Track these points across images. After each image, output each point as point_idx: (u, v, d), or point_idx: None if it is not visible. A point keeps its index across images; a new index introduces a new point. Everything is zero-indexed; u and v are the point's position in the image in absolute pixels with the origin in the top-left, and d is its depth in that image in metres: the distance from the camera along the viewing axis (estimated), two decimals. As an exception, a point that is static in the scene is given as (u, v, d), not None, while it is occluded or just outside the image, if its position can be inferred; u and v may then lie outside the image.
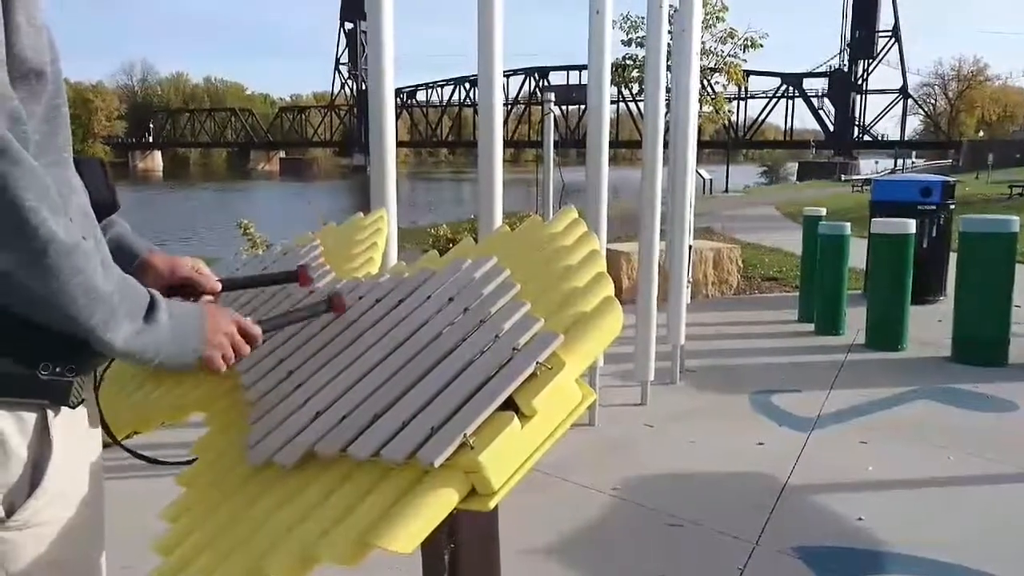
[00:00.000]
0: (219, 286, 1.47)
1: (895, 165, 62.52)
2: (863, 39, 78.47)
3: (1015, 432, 4.08)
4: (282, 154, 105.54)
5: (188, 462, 1.36)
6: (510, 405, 1.05)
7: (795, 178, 70.24)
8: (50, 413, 1.08)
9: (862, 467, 3.63)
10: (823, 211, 7.15)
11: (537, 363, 1.08)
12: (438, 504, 0.99)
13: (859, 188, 35.96)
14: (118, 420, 1.53)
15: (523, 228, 1.52)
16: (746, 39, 9.97)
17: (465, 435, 1.01)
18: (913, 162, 65.32)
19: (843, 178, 54.12)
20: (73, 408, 1.10)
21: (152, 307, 1.08)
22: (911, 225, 5.75)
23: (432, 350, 1.21)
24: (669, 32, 4.52)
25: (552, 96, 5.47)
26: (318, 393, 1.25)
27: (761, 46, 9.98)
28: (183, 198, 44.47)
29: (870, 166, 69.83)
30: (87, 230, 1.05)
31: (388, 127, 3.51)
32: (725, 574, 2.71)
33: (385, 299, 1.43)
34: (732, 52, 9.97)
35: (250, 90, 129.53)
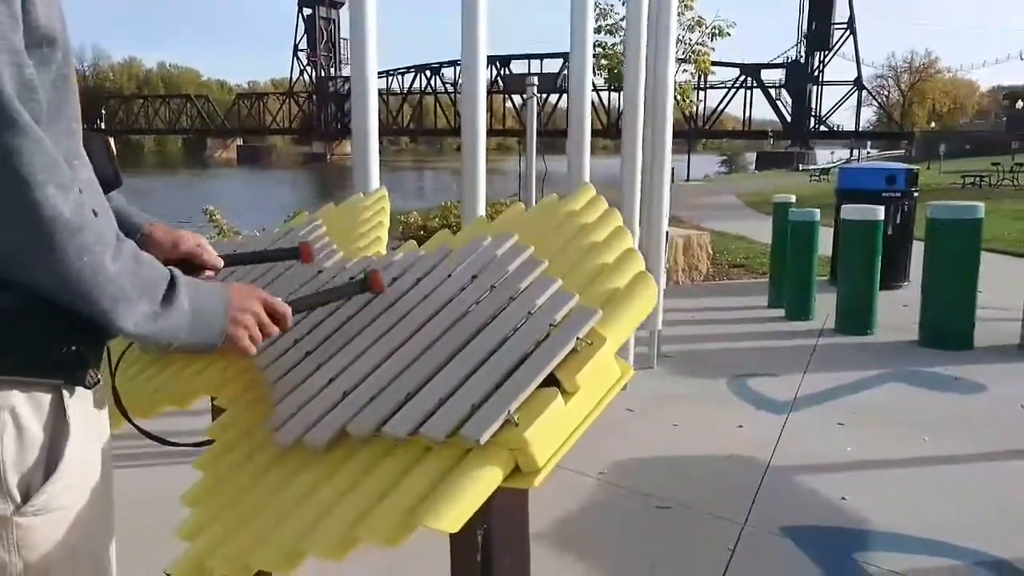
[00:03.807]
0: (221, 262, 1.43)
1: (850, 155, 63.74)
2: (819, 31, 79.67)
3: (985, 413, 4.18)
4: (240, 141, 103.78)
5: (202, 444, 1.32)
6: (551, 382, 1.04)
7: (754, 168, 71.28)
8: (65, 394, 1.04)
9: (841, 448, 3.69)
10: (793, 198, 7.25)
11: (577, 338, 1.06)
12: (483, 482, 0.97)
13: (817, 177, 36.59)
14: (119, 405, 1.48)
15: (538, 207, 1.50)
16: (714, 27, 10.06)
17: (509, 412, 0.99)
18: (868, 152, 66.64)
19: (800, 167, 55.02)
20: (89, 388, 1.05)
21: (172, 287, 1.04)
22: (880, 211, 5.86)
23: (462, 328, 1.19)
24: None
25: (535, 80, 5.45)
26: (342, 373, 1.22)
27: (729, 34, 10.07)
28: (141, 185, 43.48)
29: (826, 156, 71.12)
30: (97, 203, 1.00)
31: (371, 115, 3.45)
32: (716, 555, 2.73)
33: (402, 278, 1.40)
34: (700, 40, 10.05)
35: (206, 76, 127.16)
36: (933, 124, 79.76)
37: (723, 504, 3.09)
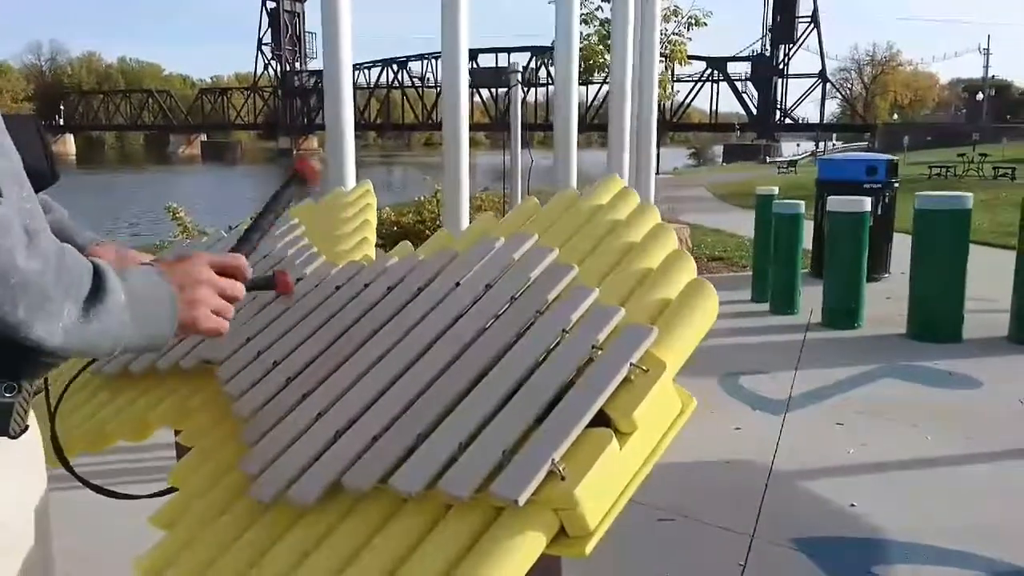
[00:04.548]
0: None
1: (816, 147, 64.33)
2: (784, 24, 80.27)
3: (984, 409, 4.06)
4: (204, 137, 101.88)
5: (163, 493, 1.10)
6: (600, 419, 0.83)
7: (721, 160, 71.71)
8: None
9: (842, 450, 3.54)
10: (776, 190, 7.12)
11: (631, 364, 0.86)
12: (520, 554, 0.76)
13: (785, 169, 36.78)
14: (63, 438, 1.25)
15: (555, 202, 1.29)
16: (690, 17, 9.90)
17: (553, 461, 0.78)
18: (834, 144, 67.35)
19: (768, 160, 55.41)
20: (15, 438, 0.83)
21: (99, 280, 0.80)
22: (867, 203, 5.74)
23: (479, 350, 0.98)
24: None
25: (520, 67, 5.24)
26: (334, 406, 1.01)
27: (705, 24, 9.93)
28: (102, 182, 42.33)
29: (792, 148, 71.74)
30: (6, 187, 0.77)
31: (346, 110, 3.22)
32: (727, 571, 2.56)
33: (399, 286, 1.19)
34: (676, 31, 9.88)
35: (168, 71, 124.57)
36: (895, 116, 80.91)
37: (728, 514, 2.91)
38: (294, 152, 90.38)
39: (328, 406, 1.00)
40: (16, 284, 0.70)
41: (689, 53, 10.70)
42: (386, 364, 1.03)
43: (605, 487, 0.79)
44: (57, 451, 1.13)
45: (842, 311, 5.74)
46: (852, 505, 2.98)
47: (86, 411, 1.31)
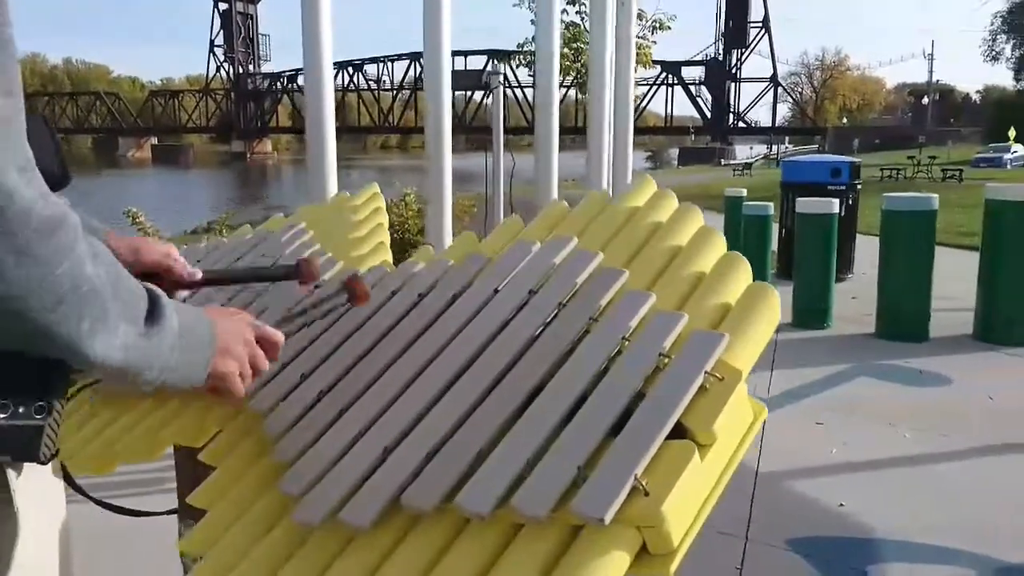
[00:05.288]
0: (198, 274, 1.12)
1: (768, 150, 65.49)
2: (736, 29, 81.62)
3: (956, 406, 4.14)
4: (154, 140, 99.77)
5: (172, 512, 1.03)
6: (677, 432, 0.80)
7: (677, 163, 72.59)
8: (11, 474, 0.75)
9: (825, 450, 3.57)
10: (744, 192, 7.20)
11: (705, 372, 0.82)
12: (607, 574, 0.72)
13: (740, 172, 37.39)
14: (70, 458, 1.19)
15: (585, 205, 1.25)
16: (655, 20, 9.97)
17: (636, 476, 0.74)
18: (786, 147, 68.64)
19: (723, 162, 56.27)
20: (45, 463, 0.77)
21: (154, 302, 0.76)
22: (835, 204, 5.83)
23: (532, 359, 0.93)
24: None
25: (501, 67, 5.19)
26: (377, 421, 0.95)
27: (669, 27, 10.01)
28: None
29: (745, 151, 72.94)
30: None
31: (327, 114, 3.14)
32: (724, 574, 2.55)
33: (432, 293, 1.14)
34: (641, 34, 9.92)
35: (116, 73, 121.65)
36: (844, 120, 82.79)
37: (719, 517, 2.89)
38: (248, 156, 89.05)
39: (371, 422, 0.95)
40: (88, 292, 0.65)
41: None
42: (430, 375, 0.98)
43: (687, 502, 0.76)
44: (66, 476, 1.06)
45: (813, 311, 5.82)
46: (841, 505, 3.00)
47: (89, 431, 1.24)
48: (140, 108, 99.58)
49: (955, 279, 6.62)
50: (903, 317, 5.44)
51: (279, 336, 0.94)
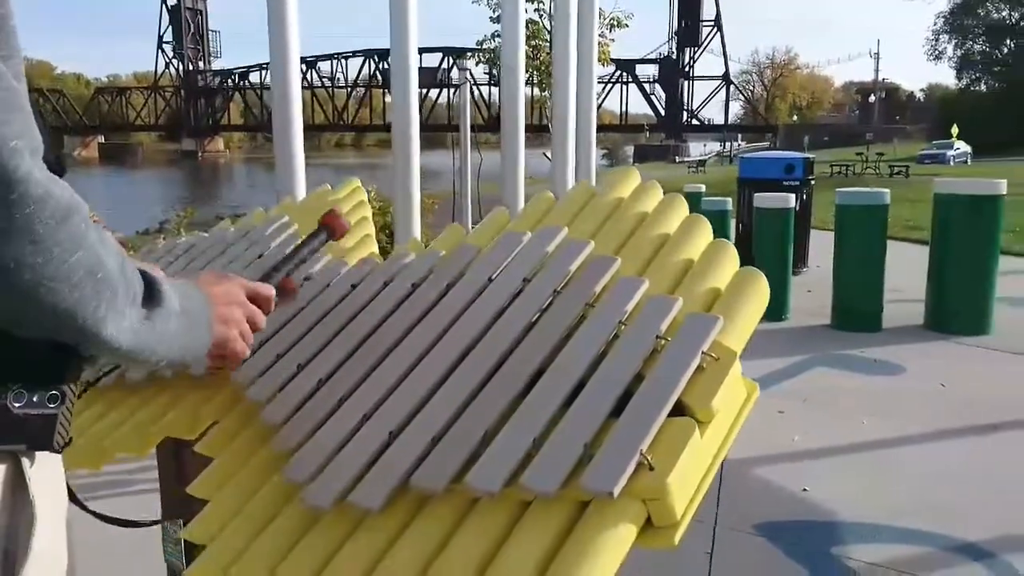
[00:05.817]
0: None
1: (721, 147, 66.53)
2: (689, 28, 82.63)
3: (911, 393, 4.28)
4: (101, 139, 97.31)
5: (154, 523, 1.04)
6: (677, 409, 0.83)
7: (632, 160, 73.27)
8: (25, 462, 0.76)
9: (787, 437, 3.67)
10: (703, 187, 7.33)
11: (702, 353, 0.86)
12: (616, 545, 0.75)
13: (695, 169, 37.92)
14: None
15: (571, 196, 1.29)
16: (612, 18, 10.05)
17: (641, 452, 0.78)
18: (739, 145, 69.80)
19: (677, 159, 56.99)
20: (59, 451, 0.78)
21: (151, 285, 0.76)
22: (792, 199, 5.96)
23: (532, 344, 0.96)
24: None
25: (470, 65, 5.20)
26: (380, 407, 0.97)
27: (627, 25, 10.10)
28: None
29: (699, 148, 74.03)
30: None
31: (295, 112, 3.11)
32: (694, 559, 2.61)
33: (425, 283, 1.16)
34: (600, 32, 9.99)
35: (60, 69, 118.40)
36: (795, 117, 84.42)
37: (689, 504, 2.97)
38: (199, 154, 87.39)
39: (374, 408, 0.97)
40: (102, 279, 0.66)
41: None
42: (430, 362, 1.00)
43: (689, 476, 0.79)
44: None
45: (771, 304, 5.92)
46: (804, 490, 3.09)
47: (78, 425, 1.23)
48: (86, 106, 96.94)
49: (905, 271, 6.83)
50: (857, 308, 5.60)
51: (270, 290, 0.95)
